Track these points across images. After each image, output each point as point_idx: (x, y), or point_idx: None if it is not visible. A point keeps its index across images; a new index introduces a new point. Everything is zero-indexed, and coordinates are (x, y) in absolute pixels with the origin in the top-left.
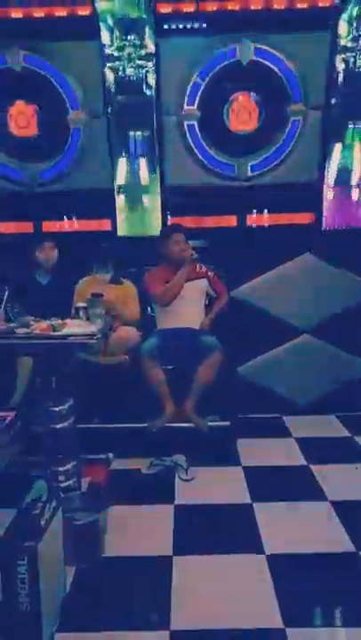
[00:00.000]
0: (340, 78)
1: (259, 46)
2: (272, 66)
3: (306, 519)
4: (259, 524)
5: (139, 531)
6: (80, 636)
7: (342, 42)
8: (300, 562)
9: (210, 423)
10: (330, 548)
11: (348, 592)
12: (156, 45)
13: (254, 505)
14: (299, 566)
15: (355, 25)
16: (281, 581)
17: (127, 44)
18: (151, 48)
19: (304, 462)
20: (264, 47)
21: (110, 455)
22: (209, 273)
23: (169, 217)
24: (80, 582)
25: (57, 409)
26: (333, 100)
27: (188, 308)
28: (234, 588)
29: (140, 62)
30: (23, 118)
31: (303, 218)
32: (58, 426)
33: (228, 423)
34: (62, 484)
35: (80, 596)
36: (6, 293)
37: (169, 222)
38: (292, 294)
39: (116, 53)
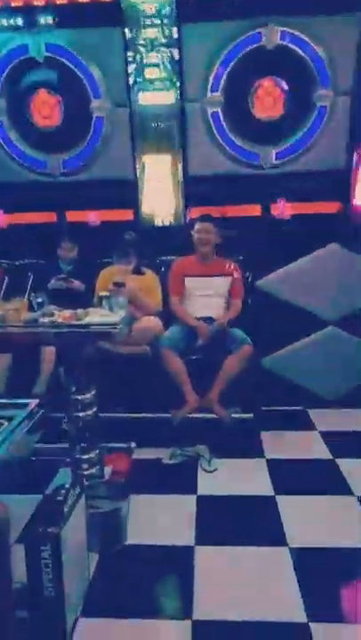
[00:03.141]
0: None
1: (285, 30)
2: (299, 50)
3: (330, 513)
4: (282, 517)
5: (160, 520)
6: (103, 621)
7: None
8: (323, 556)
9: (233, 415)
10: (355, 543)
11: None
12: (179, 31)
13: (277, 497)
14: (322, 560)
15: None
16: (304, 575)
17: (150, 30)
18: (174, 34)
19: (329, 456)
20: (290, 30)
21: (132, 444)
22: (235, 274)
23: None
24: (103, 569)
25: (80, 397)
26: None
27: (212, 300)
28: (256, 580)
29: (162, 49)
30: (46, 108)
31: (330, 207)
32: (81, 414)
33: (251, 415)
34: (86, 472)
35: (103, 583)
36: (30, 281)
37: (190, 212)
38: (317, 285)
39: (138, 40)
